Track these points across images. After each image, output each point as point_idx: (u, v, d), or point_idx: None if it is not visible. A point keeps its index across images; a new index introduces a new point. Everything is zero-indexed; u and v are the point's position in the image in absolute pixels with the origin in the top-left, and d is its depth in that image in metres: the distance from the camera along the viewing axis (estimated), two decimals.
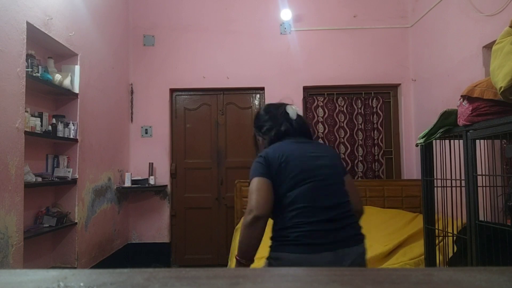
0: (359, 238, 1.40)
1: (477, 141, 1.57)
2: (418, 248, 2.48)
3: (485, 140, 1.80)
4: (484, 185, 1.64)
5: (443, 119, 1.74)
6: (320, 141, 4.11)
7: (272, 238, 1.43)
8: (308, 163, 1.44)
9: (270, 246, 1.41)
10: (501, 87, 1.22)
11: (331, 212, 1.36)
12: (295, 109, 1.62)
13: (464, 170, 1.57)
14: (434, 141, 1.87)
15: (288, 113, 1.60)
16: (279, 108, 1.64)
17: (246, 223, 1.34)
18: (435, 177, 1.90)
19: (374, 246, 2.47)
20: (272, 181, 1.40)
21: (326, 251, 1.30)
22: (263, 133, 1.62)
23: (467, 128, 1.54)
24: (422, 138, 1.89)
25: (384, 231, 2.92)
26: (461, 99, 1.56)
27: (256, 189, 1.38)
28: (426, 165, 1.90)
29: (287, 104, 1.64)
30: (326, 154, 1.53)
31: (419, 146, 1.96)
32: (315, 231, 1.32)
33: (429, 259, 1.90)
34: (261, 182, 1.39)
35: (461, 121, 1.57)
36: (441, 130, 1.76)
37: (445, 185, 1.86)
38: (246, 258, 1.38)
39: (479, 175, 1.52)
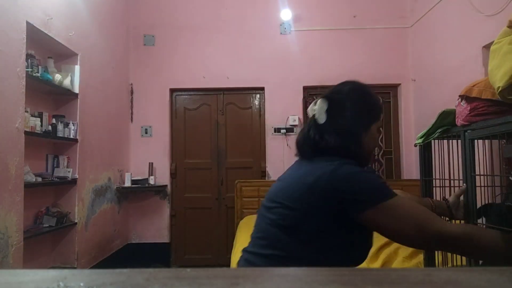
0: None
1: (476, 141, 1.57)
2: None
3: (484, 140, 1.80)
4: (482, 185, 1.64)
5: (441, 119, 1.73)
6: None
7: None
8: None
9: None
10: (499, 87, 1.22)
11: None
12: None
13: (462, 170, 1.57)
14: (432, 141, 1.87)
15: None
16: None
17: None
18: (434, 177, 1.90)
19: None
20: None
21: None
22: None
23: (465, 128, 1.54)
24: (420, 138, 1.89)
25: None
26: (459, 99, 1.56)
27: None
28: (425, 165, 1.90)
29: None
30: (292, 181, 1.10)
31: (417, 146, 1.96)
32: None
33: (429, 259, 1.90)
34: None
35: (459, 121, 1.57)
36: (439, 130, 1.76)
37: (444, 185, 1.86)
38: None
39: (478, 175, 1.52)
